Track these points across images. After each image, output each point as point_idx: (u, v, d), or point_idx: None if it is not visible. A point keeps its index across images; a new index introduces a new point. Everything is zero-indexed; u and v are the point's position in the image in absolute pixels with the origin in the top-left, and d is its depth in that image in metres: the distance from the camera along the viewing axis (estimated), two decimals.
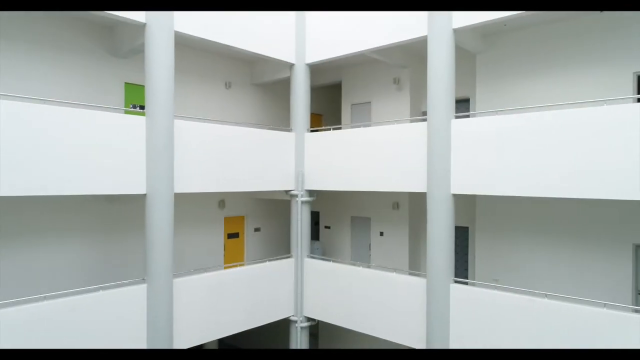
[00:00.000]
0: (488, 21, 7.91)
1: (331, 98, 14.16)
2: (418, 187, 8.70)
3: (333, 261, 10.50)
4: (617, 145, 6.54)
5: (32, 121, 6.74)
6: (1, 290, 7.93)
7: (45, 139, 6.85)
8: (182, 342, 8.59)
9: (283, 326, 11.14)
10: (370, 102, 11.99)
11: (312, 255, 10.94)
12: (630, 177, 6.40)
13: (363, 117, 12.16)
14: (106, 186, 7.61)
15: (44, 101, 7.07)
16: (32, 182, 6.74)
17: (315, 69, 11.18)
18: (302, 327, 10.76)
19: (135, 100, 9.88)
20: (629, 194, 6.44)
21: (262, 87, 12.66)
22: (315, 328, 12.66)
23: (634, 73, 8.17)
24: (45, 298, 6.97)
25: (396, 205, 11.44)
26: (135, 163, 7.91)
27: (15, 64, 8.33)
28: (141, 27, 8.16)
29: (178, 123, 8.43)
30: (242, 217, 12.35)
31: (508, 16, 7.64)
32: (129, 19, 7.91)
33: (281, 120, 12.74)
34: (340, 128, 10.67)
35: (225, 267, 10.52)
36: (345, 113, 12.53)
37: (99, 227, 9.47)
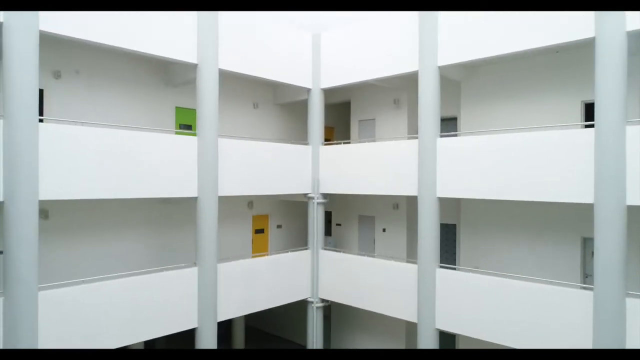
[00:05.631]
0: (466, 61, 10.09)
1: (341, 113, 16.36)
2: (411, 191, 10.87)
3: (343, 252, 12.76)
4: (563, 160, 8.63)
5: (115, 142, 9.08)
6: (86, 269, 10.26)
7: (121, 155, 9.13)
8: (224, 313, 10.83)
9: (301, 306, 13.36)
10: (374, 119, 14.18)
11: (326, 247, 13.17)
12: (573, 185, 8.48)
13: (369, 131, 14.34)
14: (168, 191, 9.93)
15: (128, 128, 9.44)
16: (115, 188, 9.05)
17: (328, 90, 13.38)
18: (317, 307, 12.99)
19: (183, 120, 12.21)
20: (572, 198, 8.54)
21: (283, 106, 14.93)
22: (328, 310, 14.86)
23: (581, 101, 10.27)
24: (127, 275, 9.31)
25: (396, 206, 13.60)
26: (189, 173, 10.20)
27: (97, 95, 10.68)
28: (193, 66, 10.43)
29: (221, 140, 10.70)
30: (267, 216, 14.63)
31: (482, 58, 9.80)
32: (183, 60, 10.20)
33: (299, 133, 14.97)
34: (349, 142, 12.89)
35: (255, 256, 12.75)
36: (354, 128, 14.73)
37: (155, 222, 11.78)
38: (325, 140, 13.39)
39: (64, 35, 8.40)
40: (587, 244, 10.26)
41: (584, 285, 8.80)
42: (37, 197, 7.91)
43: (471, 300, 9.90)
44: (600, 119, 8.07)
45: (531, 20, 8.97)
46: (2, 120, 7.66)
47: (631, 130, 7.88)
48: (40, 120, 8.10)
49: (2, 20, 7.59)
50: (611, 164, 7.96)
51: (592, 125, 8.32)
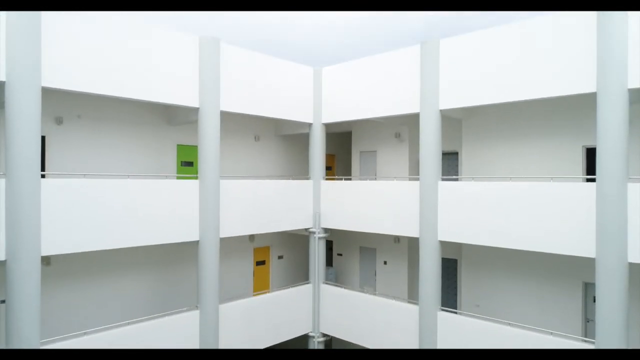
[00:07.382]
0: (467, 107, 10.10)
1: (343, 141, 16.38)
2: (412, 233, 10.87)
3: (344, 287, 12.75)
4: (565, 212, 8.62)
5: (116, 192, 9.10)
6: (89, 313, 10.28)
7: (123, 204, 9.16)
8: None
9: (303, 341, 13.36)
10: (375, 151, 14.19)
11: (327, 281, 13.18)
12: (575, 238, 8.47)
13: (370, 163, 14.35)
14: (170, 237, 9.95)
15: (129, 177, 9.47)
16: (117, 238, 9.10)
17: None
18: (318, 342, 13.00)
19: (185, 157, 12.22)
20: (573, 251, 8.55)
21: (285, 137, 14.95)
22: (330, 343, 14.84)
23: (582, 146, 10.27)
24: (128, 323, 9.32)
25: (397, 240, 13.61)
26: (191, 218, 10.21)
27: (99, 137, 10.71)
28: (195, 109, 10.44)
29: (223, 182, 10.71)
30: (268, 247, 14.64)
31: (483, 104, 9.81)
32: (185, 105, 10.21)
33: (300, 164, 14.99)
34: (350, 178, 12.89)
35: (256, 294, 12.72)
36: (355, 159, 14.73)
37: (157, 261, 11.79)
38: (327, 167, 13.38)
39: (66, 90, 8.42)
40: (589, 288, 10.26)
41: (586, 339, 8.79)
42: (39, 254, 7.93)
43: (471, 344, 9.89)
44: (602, 176, 8.07)
45: (533, 71, 8.97)
46: (4, 179, 7.69)
47: (633, 188, 7.87)
48: (42, 176, 8.12)
49: (4, 79, 7.62)
50: (613, 221, 7.95)
51: (593, 179, 8.32)
